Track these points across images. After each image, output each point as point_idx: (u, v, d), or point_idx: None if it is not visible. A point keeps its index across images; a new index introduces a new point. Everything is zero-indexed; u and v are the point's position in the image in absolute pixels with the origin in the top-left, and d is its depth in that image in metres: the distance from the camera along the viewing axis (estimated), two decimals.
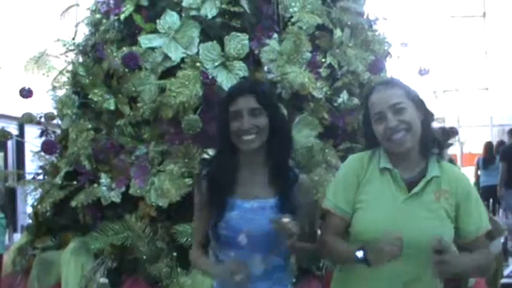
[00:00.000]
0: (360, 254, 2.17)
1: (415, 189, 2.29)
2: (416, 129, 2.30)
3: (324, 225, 2.42)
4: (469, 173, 12.01)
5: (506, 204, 10.17)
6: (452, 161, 3.48)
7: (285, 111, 3.80)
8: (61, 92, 4.35)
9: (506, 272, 6.53)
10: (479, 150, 12.67)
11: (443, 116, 5.19)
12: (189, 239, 3.43)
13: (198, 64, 3.86)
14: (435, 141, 2.39)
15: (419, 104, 2.35)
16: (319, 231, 2.53)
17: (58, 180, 3.99)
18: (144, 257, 3.60)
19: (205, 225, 2.48)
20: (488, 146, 11.28)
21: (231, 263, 2.31)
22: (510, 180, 9.66)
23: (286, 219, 2.24)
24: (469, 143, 17.25)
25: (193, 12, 4.02)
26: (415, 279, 2.27)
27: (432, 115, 2.44)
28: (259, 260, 2.40)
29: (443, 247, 2.10)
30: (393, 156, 2.34)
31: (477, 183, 10.85)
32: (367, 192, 2.33)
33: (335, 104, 4.03)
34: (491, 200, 10.55)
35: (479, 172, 11.25)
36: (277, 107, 2.56)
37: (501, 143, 11.44)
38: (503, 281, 4.89)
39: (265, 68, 3.93)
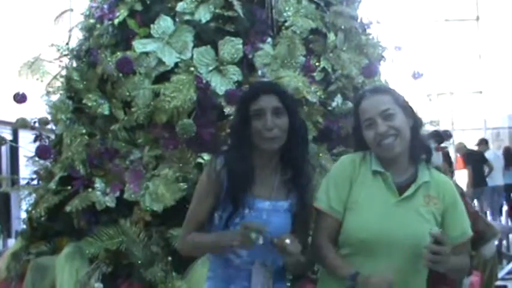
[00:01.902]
0: (349, 282, 2.22)
1: (407, 193, 2.34)
2: (405, 134, 2.35)
3: (317, 226, 2.42)
4: (464, 175, 12.08)
5: None
6: (439, 168, 3.49)
7: None
8: (55, 97, 4.34)
9: (500, 274, 6.56)
10: None
11: (437, 119, 5.17)
12: None
13: (192, 69, 3.87)
14: (424, 147, 2.44)
15: (407, 110, 2.40)
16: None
17: (52, 185, 3.99)
18: (139, 262, 3.60)
19: (204, 215, 2.41)
20: (508, 150, 13.02)
21: (246, 223, 2.26)
22: None
23: (287, 241, 2.24)
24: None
25: (187, 17, 4.03)
26: (402, 281, 2.27)
27: (421, 121, 2.50)
28: (270, 261, 2.39)
29: (442, 239, 2.16)
30: (384, 161, 2.38)
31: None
32: (359, 194, 2.35)
33: (329, 108, 4.04)
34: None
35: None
36: (297, 108, 2.54)
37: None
38: (498, 283, 4.92)
39: (259, 72, 3.94)
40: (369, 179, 2.38)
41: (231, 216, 2.36)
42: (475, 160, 11.71)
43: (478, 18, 16.79)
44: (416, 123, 2.42)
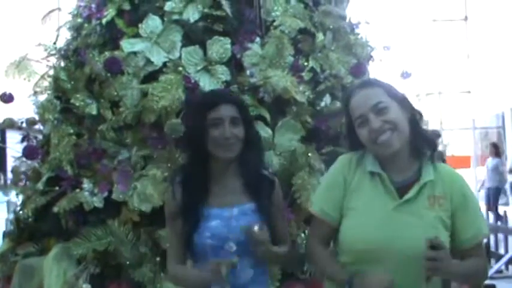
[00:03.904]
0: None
1: (408, 196, 2.16)
2: (403, 128, 2.16)
3: (311, 231, 2.36)
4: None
5: None
6: (444, 161, 3.46)
7: (267, 115, 3.83)
8: (42, 97, 4.32)
9: (489, 273, 6.58)
10: (462, 152, 12.80)
11: (426, 119, 5.20)
12: None
13: (180, 68, 3.85)
14: (426, 140, 2.25)
15: (402, 101, 2.21)
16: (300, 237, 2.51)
17: (40, 185, 3.96)
18: (128, 262, 3.58)
19: (180, 238, 2.45)
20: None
21: (213, 263, 2.29)
22: None
23: (256, 228, 2.23)
24: (452, 146, 17.38)
25: (175, 17, 4.01)
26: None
27: (420, 112, 2.29)
28: (247, 265, 2.39)
29: (438, 244, 1.99)
30: (383, 160, 2.20)
31: None
32: (356, 199, 2.20)
33: (318, 108, 4.03)
34: None
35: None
36: (253, 120, 2.59)
37: None
38: (487, 282, 4.93)
39: (248, 72, 3.93)
40: (366, 181, 2.21)
41: (195, 229, 2.38)
42: None
43: (466, 18, 16.88)
44: (414, 115, 2.22)
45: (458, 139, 17.15)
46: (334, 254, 2.30)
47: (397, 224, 2.13)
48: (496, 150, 12.61)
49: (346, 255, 2.20)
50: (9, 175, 5.77)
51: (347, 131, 2.31)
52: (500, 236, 8.68)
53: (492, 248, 8.47)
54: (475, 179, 16.46)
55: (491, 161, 12.60)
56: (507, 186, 14.35)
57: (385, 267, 2.10)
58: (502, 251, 8.45)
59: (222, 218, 2.38)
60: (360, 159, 2.26)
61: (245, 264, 2.38)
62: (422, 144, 2.22)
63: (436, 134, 3.74)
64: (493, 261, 8.18)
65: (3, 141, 9.95)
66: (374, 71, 4.64)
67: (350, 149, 2.34)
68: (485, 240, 5.36)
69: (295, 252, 2.50)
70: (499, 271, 7.85)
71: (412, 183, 2.17)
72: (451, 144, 17.23)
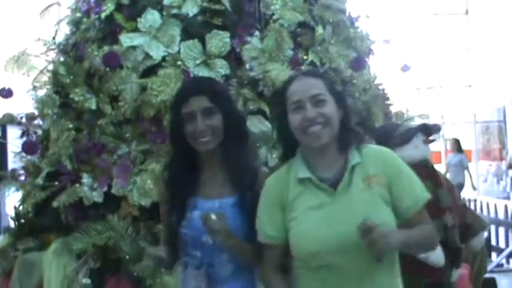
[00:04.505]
0: None
1: (340, 186, 2.15)
2: (334, 125, 2.17)
3: (262, 258, 2.29)
4: None
5: None
6: (426, 161, 3.47)
7: (267, 109, 3.82)
8: (42, 92, 4.32)
9: (489, 267, 6.59)
10: (463, 146, 12.77)
11: (427, 112, 5.19)
12: None
13: (179, 62, 3.85)
14: (354, 135, 2.26)
15: (340, 100, 2.23)
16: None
17: (40, 180, 3.96)
18: (127, 257, 3.58)
19: (169, 228, 2.46)
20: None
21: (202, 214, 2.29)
22: None
23: (213, 216, 2.22)
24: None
25: (174, 11, 4.00)
26: (368, 276, 2.13)
27: (350, 115, 2.31)
28: (226, 260, 2.37)
29: (369, 227, 1.96)
30: (310, 155, 2.21)
31: None
32: (296, 208, 2.18)
33: None
34: None
35: None
36: (231, 103, 2.51)
37: None
38: (487, 275, 4.93)
39: (247, 66, 3.93)
40: (299, 188, 2.19)
41: (179, 221, 2.38)
42: None
43: (467, 12, 16.85)
44: (347, 116, 2.24)
45: (459, 133, 17.12)
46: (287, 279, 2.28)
47: (340, 215, 2.12)
48: (458, 146, 12.52)
49: (303, 263, 2.19)
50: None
51: (278, 114, 2.27)
52: (501, 229, 8.68)
53: (493, 242, 8.47)
54: (477, 172, 16.45)
55: (453, 157, 12.49)
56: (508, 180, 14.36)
57: (342, 261, 2.10)
58: (502, 244, 8.44)
59: (203, 210, 2.34)
60: (288, 171, 2.24)
61: (224, 259, 2.36)
62: (350, 138, 2.24)
63: (437, 128, 3.71)
64: (494, 255, 8.18)
65: (4, 136, 9.94)
66: (374, 64, 4.64)
67: (278, 135, 2.34)
68: (485, 234, 5.36)
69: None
70: (500, 265, 7.85)
71: (341, 175, 2.17)
72: (452, 138, 17.20)
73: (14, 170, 4.34)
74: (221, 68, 3.87)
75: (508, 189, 14.64)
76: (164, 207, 2.48)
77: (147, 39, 3.95)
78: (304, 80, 2.21)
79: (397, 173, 2.20)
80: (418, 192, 2.23)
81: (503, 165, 15.29)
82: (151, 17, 3.99)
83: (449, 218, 3.33)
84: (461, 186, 11.95)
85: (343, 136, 2.21)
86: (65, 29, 4.54)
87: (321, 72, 2.38)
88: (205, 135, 2.33)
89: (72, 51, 4.31)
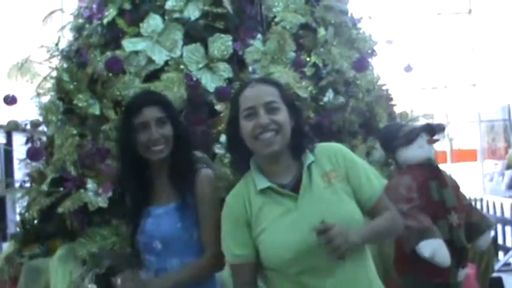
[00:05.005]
0: None
1: (302, 188, 2.15)
2: (286, 133, 2.17)
3: (234, 280, 2.26)
4: (460, 169, 12.11)
5: None
6: (431, 160, 3.48)
7: None
8: (45, 99, 4.32)
9: (496, 266, 6.57)
10: (468, 146, 12.74)
11: (431, 112, 5.19)
12: None
13: (182, 66, 3.85)
14: (307, 140, 2.26)
15: (293, 109, 2.22)
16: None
17: (44, 187, 3.96)
18: None
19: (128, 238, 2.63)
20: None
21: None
22: None
23: (118, 281, 2.43)
24: (458, 139, 17.31)
25: (176, 15, 4.01)
26: (352, 279, 2.13)
27: (303, 123, 2.33)
28: (177, 265, 2.43)
29: (325, 227, 1.97)
30: (265, 166, 2.20)
31: None
32: (262, 221, 2.16)
33: (321, 103, 4.03)
34: None
35: None
36: (178, 115, 2.64)
37: None
38: (494, 275, 4.91)
39: (250, 69, 3.93)
40: (261, 200, 2.18)
41: (135, 229, 2.51)
42: None
43: (470, 12, 16.81)
44: (299, 125, 2.23)
45: (464, 133, 17.06)
46: None
47: (306, 218, 2.10)
48: None
49: (279, 273, 2.16)
50: (17, 177, 5.78)
51: (229, 121, 2.27)
52: (508, 228, 8.65)
53: (500, 241, 8.44)
54: (482, 172, 16.40)
55: None
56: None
57: (320, 263, 2.09)
58: (509, 243, 8.42)
59: (155, 217, 2.45)
60: (246, 185, 2.23)
61: (173, 264, 2.44)
62: (304, 144, 2.23)
63: (441, 128, 3.71)
64: (501, 254, 8.15)
65: (10, 143, 9.97)
66: (377, 65, 4.63)
67: (227, 140, 2.33)
68: (492, 233, 5.34)
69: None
70: (507, 264, 7.82)
71: (300, 178, 2.17)
72: (457, 138, 17.16)
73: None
74: (224, 72, 3.87)
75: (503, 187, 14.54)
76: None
77: (149, 43, 3.95)
78: (257, 87, 2.20)
79: (352, 165, 2.21)
80: (374, 181, 2.23)
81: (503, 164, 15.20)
82: (153, 22, 4.00)
83: (455, 217, 3.33)
84: None
85: (296, 143, 2.21)
86: (68, 36, 4.55)
87: (275, 80, 2.39)
88: (159, 144, 2.41)
89: (75, 57, 4.32)
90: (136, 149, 2.44)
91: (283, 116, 2.17)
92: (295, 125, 2.21)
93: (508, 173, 13.17)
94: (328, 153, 2.22)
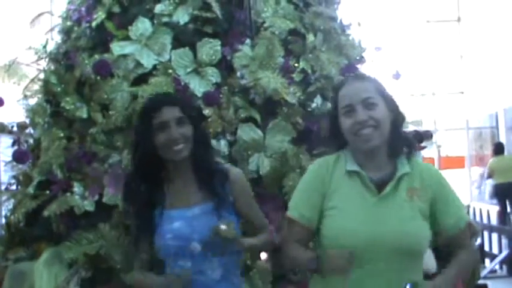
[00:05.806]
0: (312, 266, 2.16)
1: (386, 190, 2.20)
2: (384, 128, 2.21)
3: (288, 235, 2.32)
4: (447, 176, 12.12)
5: None
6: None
7: (258, 117, 3.82)
8: (33, 101, 4.30)
9: (482, 273, 6.59)
10: (456, 153, 12.79)
11: (420, 119, 5.24)
12: None
13: (170, 71, 3.84)
14: (405, 141, 2.31)
15: (390, 103, 2.26)
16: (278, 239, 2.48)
17: (31, 189, 3.94)
18: (119, 266, 3.56)
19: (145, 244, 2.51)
20: None
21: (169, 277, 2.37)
22: None
23: (223, 226, 2.26)
24: (446, 146, 17.39)
25: (165, 19, 4.01)
26: (396, 284, 2.14)
27: (404, 117, 2.34)
28: (216, 265, 2.41)
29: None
30: (360, 157, 2.25)
31: None
32: (336, 198, 2.22)
33: (309, 109, 4.03)
34: None
35: None
36: (200, 118, 2.69)
37: None
38: (480, 281, 4.93)
39: (238, 74, 3.93)
40: (345, 180, 2.24)
41: (150, 232, 2.44)
42: None
43: (459, 19, 16.91)
44: (398, 119, 2.28)
45: (452, 140, 17.15)
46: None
47: (378, 218, 2.17)
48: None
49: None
50: (2, 179, 5.74)
51: (330, 117, 2.35)
52: (494, 235, 8.69)
53: (486, 248, 8.48)
54: (470, 179, 16.49)
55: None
56: None
57: (370, 261, 2.14)
58: (495, 250, 8.46)
59: (185, 219, 2.40)
60: (337, 161, 2.29)
61: (214, 264, 2.41)
62: (401, 144, 2.29)
63: (429, 135, 3.73)
64: (487, 261, 8.19)
65: None
66: (366, 71, 4.64)
67: (330, 137, 2.38)
68: (478, 241, 5.37)
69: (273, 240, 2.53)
70: (493, 271, 7.86)
71: (389, 180, 2.22)
72: (445, 144, 17.23)
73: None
74: (212, 76, 3.87)
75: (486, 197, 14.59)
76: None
77: (138, 47, 3.94)
78: (353, 84, 2.26)
79: (442, 190, 2.27)
80: (462, 213, 2.31)
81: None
82: (142, 25, 3.99)
83: None
84: None
85: (394, 142, 2.26)
86: (56, 38, 4.54)
87: (371, 76, 2.43)
88: (179, 143, 2.39)
89: (63, 59, 4.30)
90: (153, 151, 2.41)
91: (380, 111, 2.21)
92: (394, 118, 2.25)
93: (489, 182, 13.21)
94: (424, 172, 2.27)
